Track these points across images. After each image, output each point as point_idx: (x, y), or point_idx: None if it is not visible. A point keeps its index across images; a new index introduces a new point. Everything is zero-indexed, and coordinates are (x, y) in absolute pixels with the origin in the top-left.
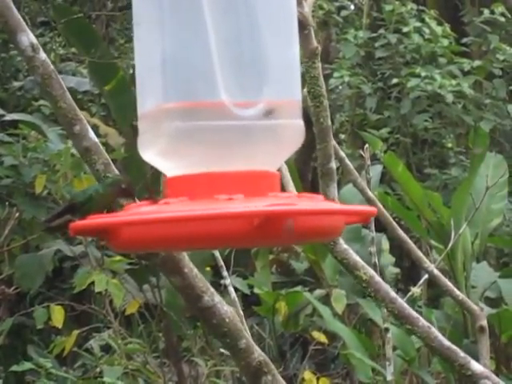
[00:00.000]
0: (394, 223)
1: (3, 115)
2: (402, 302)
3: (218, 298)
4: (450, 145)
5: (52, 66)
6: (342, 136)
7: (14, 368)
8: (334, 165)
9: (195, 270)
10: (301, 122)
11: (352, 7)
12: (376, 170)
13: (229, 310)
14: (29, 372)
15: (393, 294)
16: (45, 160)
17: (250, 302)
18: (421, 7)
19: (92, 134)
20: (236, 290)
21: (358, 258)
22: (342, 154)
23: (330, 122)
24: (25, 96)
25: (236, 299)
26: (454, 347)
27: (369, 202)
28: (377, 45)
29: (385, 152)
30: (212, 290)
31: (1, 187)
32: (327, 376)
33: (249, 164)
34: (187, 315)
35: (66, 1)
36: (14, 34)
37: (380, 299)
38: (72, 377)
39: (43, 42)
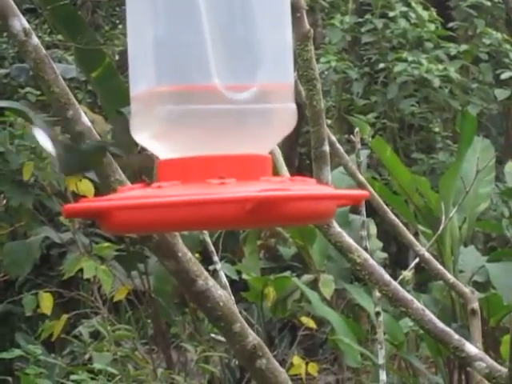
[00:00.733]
0: (385, 207)
1: None
2: (396, 284)
3: (211, 281)
4: (436, 129)
5: (44, 51)
6: (329, 121)
7: (3, 355)
8: (327, 148)
9: (189, 254)
10: (293, 106)
11: None
12: (363, 155)
13: (223, 294)
14: (17, 359)
15: (387, 276)
16: (32, 147)
17: (237, 287)
18: None
19: (85, 118)
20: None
21: (351, 241)
22: (333, 138)
23: (322, 105)
24: (11, 83)
25: (227, 284)
26: (448, 329)
27: (359, 185)
28: (363, 30)
29: (372, 137)
30: (206, 273)
31: None
32: (316, 361)
33: (241, 148)
34: (175, 301)
35: None
36: (6, 19)
37: (374, 282)
38: (61, 363)
39: None
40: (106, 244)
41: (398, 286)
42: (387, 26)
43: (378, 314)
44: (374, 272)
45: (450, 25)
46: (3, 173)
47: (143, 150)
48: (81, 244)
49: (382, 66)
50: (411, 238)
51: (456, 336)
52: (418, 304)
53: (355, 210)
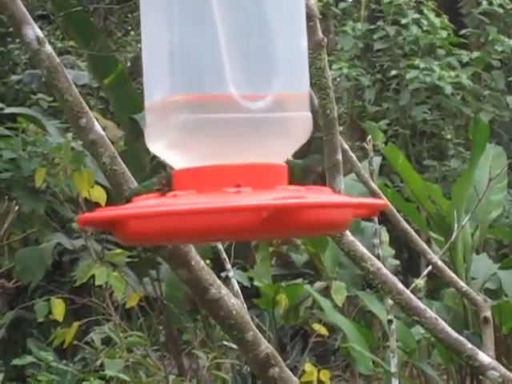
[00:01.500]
0: (398, 215)
1: (2, 109)
2: (409, 293)
3: (224, 290)
4: (448, 136)
5: (58, 59)
6: (341, 128)
7: (15, 362)
8: (340, 157)
9: (202, 263)
10: (309, 115)
11: None
12: (375, 162)
13: (236, 303)
14: (29, 366)
15: (400, 285)
16: (44, 153)
17: (249, 294)
18: None
19: (98, 126)
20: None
21: (364, 250)
22: (346, 146)
23: (336, 114)
24: (23, 90)
25: (239, 291)
26: (461, 338)
27: (372, 193)
28: (375, 37)
29: (384, 144)
30: (219, 282)
31: (0, 181)
32: (328, 368)
33: (257, 157)
34: (187, 308)
35: None
36: (19, 27)
37: (387, 291)
38: (73, 370)
39: None
40: (118, 250)
41: (412, 295)
42: (399, 32)
43: (390, 321)
44: (387, 281)
45: (462, 32)
46: (15, 179)
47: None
48: (93, 250)
49: (394, 72)
50: (424, 245)
51: (469, 345)
52: (431, 313)
53: (367, 217)
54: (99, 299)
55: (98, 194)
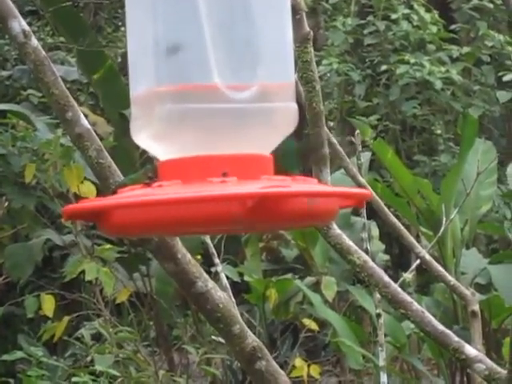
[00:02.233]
0: (386, 209)
1: None
2: (395, 286)
3: (211, 283)
4: (438, 131)
5: (44, 53)
6: (331, 123)
7: (5, 357)
8: (327, 150)
9: (188, 256)
10: (294, 105)
11: None
12: (365, 157)
13: (222, 296)
14: (19, 361)
15: (386, 278)
16: (34, 149)
17: (239, 289)
18: None
19: (84, 120)
20: (226, 277)
21: (351, 243)
22: (334, 140)
23: (322, 107)
24: (13, 85)
25: (228, 286)
26: (447, 331)
27: (360, 187)
28: (365, 32)
29: (374, 139)
30: (205, 275)
31: None
32: (318, 363)
33: (242, 147)
34: (177, 303)
35: None
36: (6, 21)
37: (374, 284)
38: (63, 365)
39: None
40: (108, 246)
41: (398, 288)
42: (389, 28)
43: (378, 315)
44: (373, 274)
45: (453, 27)
46: (5, 175)
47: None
48: (83, 246)
49: (384, 68)
50: (412, 240)
51: (455, 338)
52: (417, 306)
53: (357, 212)
54: (89, 295)
55: (88, 189)
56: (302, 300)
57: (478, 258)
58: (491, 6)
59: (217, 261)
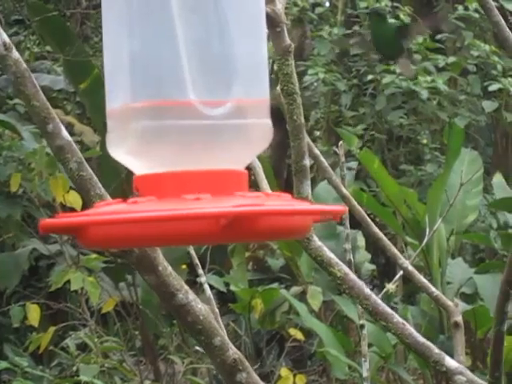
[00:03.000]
0: (369, 220)
1: None
2: (376, 298)
3: (192, 295)
4: (425, 141)
5: (25, 65)
6: (318, 133)
7: None
8: (307, 162)
9: (169, 268)
10: (269, 121)
11: (327, 4)
12: (352, 167)
13: (203, 308)
14: (4, 371)
15: (367, 290)
16: (20, 158)
17: (226, 299)
18: (395, 4)
19: (65, 132)
20: (212, 287)
21: (332, 255)
22: (317, 151)
23: (303, 120)
24: None
25: (211, 297)
26: (428, 343)
27: (343, 199)
28: (351, 41)
29: (360, 149)
30: (186, 287)
31: None
32: (304, 373)
33: (217, 163)
34: (163, 313)
35: None
36: None
37: (355, 296)
38: (48, 375)
39: (17, 41)
40: (94, 256)
41: (378, 300)
42: None
43: (362, 326)
44: (354, 286)
45: (439, 37)
46: None
47: None
48: (68, 256)
49: (370, 77)
50: (395, 250)
51: (436, 350)
52: (398, 318)
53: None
54: (75, 304)
55: (74, 199)
56: (288, 310)
57: (464, 268)
58: (477, 15)
59: (200, 271)
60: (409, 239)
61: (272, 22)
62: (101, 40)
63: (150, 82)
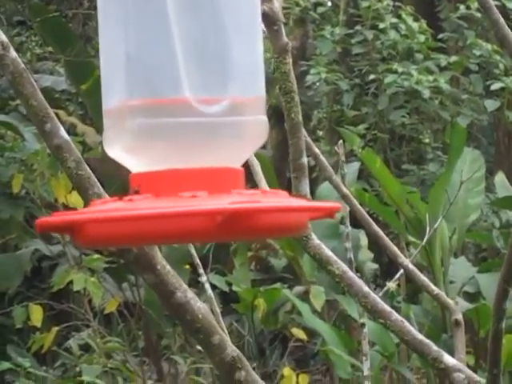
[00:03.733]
0: (370, 219)
1: None
2: (375, 296)
3: (191, 294)
4: (427, 140)
5: (22, 65)
6: (320, 133)
7: None
8: (305, 160)
9: (168, 267)
10: (265, 119)
11: (329, 4)
12: (353, 167)
13: (202, 307)
14: (8, 372)
15: (366, 288)
16: (22, 159)
17: (229, 299)
18: (397, 3)
19: (63, 131)
20: (215, 287)
21: (330, 253)
22: (317, 150)
23: (301, 118)
24: (1, 96)
25: (212, 296)
26: (427, 341)
27: (343, 198)
28: (353, 41)
29: (362, 148)
30: (185, 286)
31: None
32: (307, 372)
33: (213, 161)
34: (166, 313)
35: (43, 0)
36: None
37: (353, 294)
38: (51, 376)
39: (19, 42)
40: (96, 256)
41: (377, 298)
42: (377, 37)
43: (362, 325)
44: (352, 284)
45: (441, 36)
46: None
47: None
48: (71, 256)
49: (372, 77)
50: (395, 249)
51: (435, 347)
52: (397, 316)
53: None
54: (78, 305)
55: (76, 200)
56: (290, 309)
57: (467, 267)
58: (479, 15)
59: (201, 271)
60: (411, 238)
61: (269, 20)
62: None
63: (146, 79)
